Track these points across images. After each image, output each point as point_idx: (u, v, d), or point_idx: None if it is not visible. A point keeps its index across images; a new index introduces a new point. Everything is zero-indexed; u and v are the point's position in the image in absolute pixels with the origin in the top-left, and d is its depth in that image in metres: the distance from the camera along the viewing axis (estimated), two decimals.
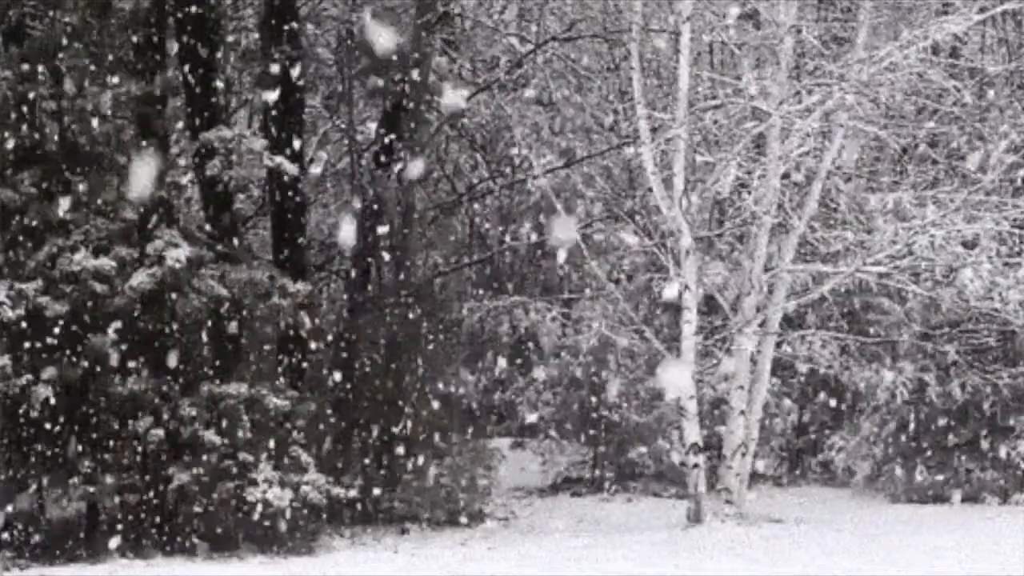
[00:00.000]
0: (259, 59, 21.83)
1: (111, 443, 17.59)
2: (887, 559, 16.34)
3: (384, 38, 21.42)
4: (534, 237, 25.75)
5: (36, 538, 17.28)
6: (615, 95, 25.11)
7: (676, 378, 19.82)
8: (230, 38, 22.31)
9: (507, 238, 26.96)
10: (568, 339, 25.00)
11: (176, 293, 17.74)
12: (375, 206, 22.05)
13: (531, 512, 22.27)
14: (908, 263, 19.58)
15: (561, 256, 22.65)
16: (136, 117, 18.30)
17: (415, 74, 22.27)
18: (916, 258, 19.48)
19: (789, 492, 24.31)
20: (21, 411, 17.13)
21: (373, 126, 23.77)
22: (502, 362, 25.86)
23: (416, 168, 22.38)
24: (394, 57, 21.89)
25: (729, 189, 19.98)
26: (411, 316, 21.25)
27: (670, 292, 19.89)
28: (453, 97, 22.96)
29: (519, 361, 26.02)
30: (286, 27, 20.71)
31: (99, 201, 17.94)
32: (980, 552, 16.83)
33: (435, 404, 20.86)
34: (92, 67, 18.10)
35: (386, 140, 22.63)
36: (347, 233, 21.58)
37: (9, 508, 17.21)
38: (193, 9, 19.26)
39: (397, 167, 22.22)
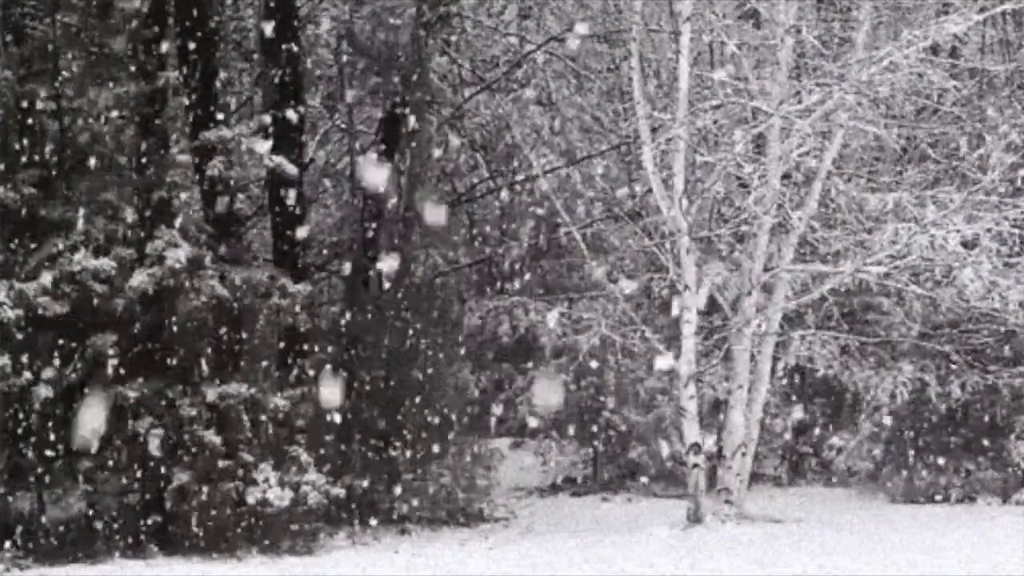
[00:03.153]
0: (259, 59, 21.82)
1: (111, 443, 17.59)
2: (887, 559, 16.33)
3: (384, 38, 21.41)
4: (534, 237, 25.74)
5: (36, 538, 17.28)
6: (615, 95, 25.10)
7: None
8: (230, 38, 22.31)
9: (507, 238, 26.92)
10: (568, 339, 24.96)
11: (176, 293, 17.75)
12: (375, 206, 22.04)
13: (531, 512, 22.26)
14: (908, 263, 19.57)
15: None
16: (136, 117, 18.30)
17: (415, 74, 22.27)
18: (916, 258, 19.47)
19: (789, 492, 24.28)
20: (21, 411, 17.12)
21: (373, 126, 23.76)
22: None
23: (415, 168, 22.36)
24: (394, 57, 21.89)
25: (724, 188, 19.97)
26: (411, 316, 21.24)
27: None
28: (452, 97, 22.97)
29: (519, 361, 25.98)
30: (286, 27, 20.69)
31: (99, 201, 17.94)
32: (980, 552, 16.82)
33: (435, 404, 20.85)
34: (92, 67, 18.10)
35: (386, 140, 22.62)
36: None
37: (9, 508, 17.22)
38: (193, 9, 19.27)
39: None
